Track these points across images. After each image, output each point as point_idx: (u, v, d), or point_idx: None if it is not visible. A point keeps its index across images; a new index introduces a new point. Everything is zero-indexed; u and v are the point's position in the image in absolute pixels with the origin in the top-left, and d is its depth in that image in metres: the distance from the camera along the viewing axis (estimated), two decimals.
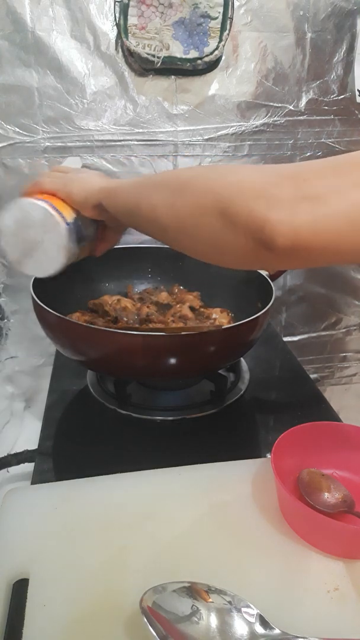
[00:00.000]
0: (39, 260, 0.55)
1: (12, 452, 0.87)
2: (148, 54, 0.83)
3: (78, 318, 0.74)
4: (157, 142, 0.93)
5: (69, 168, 0.63)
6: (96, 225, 0.58)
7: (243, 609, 0.39)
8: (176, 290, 0.88)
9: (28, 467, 0.83)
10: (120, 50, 0.85)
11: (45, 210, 0.52)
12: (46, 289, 0.68)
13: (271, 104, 0.93)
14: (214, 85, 0.90)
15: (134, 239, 0.82)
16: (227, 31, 0.84)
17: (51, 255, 0.54)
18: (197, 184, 0.40)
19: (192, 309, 0.80)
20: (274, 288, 0.74)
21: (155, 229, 0.47)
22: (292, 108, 0.94)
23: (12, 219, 0.53)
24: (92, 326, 0.67)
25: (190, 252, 0.44)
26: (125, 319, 0.77)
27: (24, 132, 0.88)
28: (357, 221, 0.32)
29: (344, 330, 1.22)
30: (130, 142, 0.92)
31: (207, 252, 0.42)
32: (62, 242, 0.53)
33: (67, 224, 0.53)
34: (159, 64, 0.84)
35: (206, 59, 0.85)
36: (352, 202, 0.32)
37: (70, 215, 0.54)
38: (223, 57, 0.88)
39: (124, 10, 0.81)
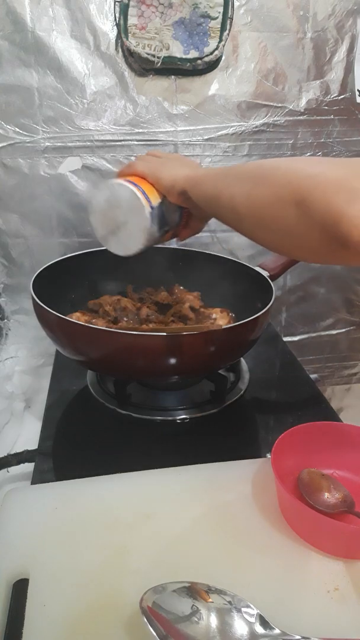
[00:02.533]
0: (122, 240, 0.58)
1: (12, 452, 0.87)
2: (148, 54, 0.83)
3: (78, 318, 0.74)
4: (157, 142, 0.93)
5: (163, 153, 0.64)
6: (180, 212, 0.60)
7: (243, 609, 0.39)
8: (176, 291, 0.88)
9: (28, 467, 0.83)
10: (120, 50, 0.85)
11: (132, 193, 0.54)
12: (46, 289, 0.68)
13: (271, 104, 0.93)
14: (214, 85, 0.90)
15: None
16: (227, 31, 0.84)
17: (133, 236, 0.57)
18: (277, 175, 0.40)
19: (192, 309, 0.80)
20: (274, 288, 0.74)
21: (232, 219, 0.47)
22: (292, 108, 0.94)
23: (103, 198, 0.57)
24: (92, 326, 0.67)
25: (265, 243, 0.44)
26: (125, 319, 0.77)
27: (24, 132, 0.88)
28: None
29: (344, 330, 1.22)
30: (130, 142, 0.92)
31: (281, 244, 0.42)
32: (144, 224, 0.55)
33: (152, 207, 0.55)
34: (159, 64, 0.84)
35: (206, 59, 0.85)
36: None
37: (155, 200, 0.56)
38: (223, 57, 0.88)
39: (124, 10, 0.81)
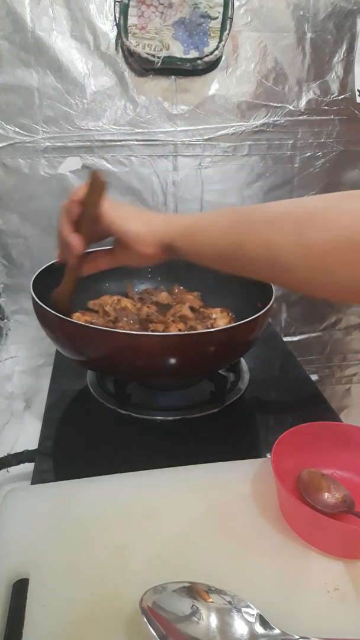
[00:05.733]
0: None
1: (12, 452, 0.87)
2: (148, 54, 0.83)
3: (78, 318, 0.74)
4: (157, 142, 0.93)
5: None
6: None
7: (243, 609, 0.39)
8: (176, 290, 0.88)
9: (28, 467, 0.83)
10: (120, 50, 0.85)
11: None
12: (46, 289, 0.68)
13: (271, 104, 0.93)
14: (214, 85, 0.90)
15: None
16: (227, 31, 0.84)
17: None
18: (333, 214, 0.36)
19: (192, 309, 0.80)
20: (274, 288, 0.74)
21: (270, 269, 0.41)
22: (292, 108, 0.94)
23: None
24: (92, 326, 0.67)
25: (320, 292, 0.39)
26: (125, 319, 0.77)
27: (24, 132, 0.88)
28: None
29: (344, 330, 1.22)
30: (130, 142, 0.92)
31: (343, 291, 0.37)
32: None
33: None
34: (159, 64, 0.84)
35: (206, 59, 0.85)
36: None
37: None
38: (223, 57, 0.88)
39: (124, 10, 0.81)
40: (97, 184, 0.54)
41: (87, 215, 0.55)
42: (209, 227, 0.46)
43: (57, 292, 0.65)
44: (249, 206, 0.45)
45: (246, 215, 0.43)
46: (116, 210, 0.54)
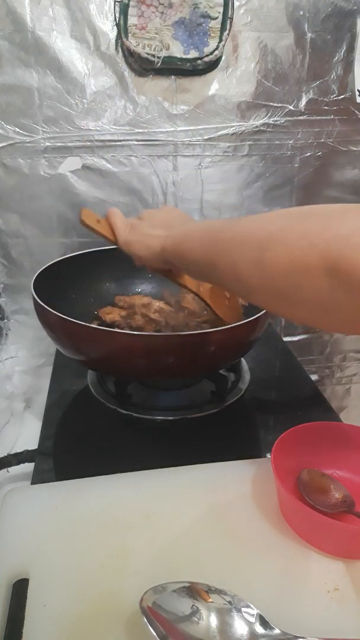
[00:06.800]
0: None
1: (12, 452, 0.87)
2: (148, 54, 0.83)
3: (111, 313, 0.76)
4: (157, 142, 0.93)
5: (151, 212, 0.61)
6: None
7: (243, 609, 0.39)
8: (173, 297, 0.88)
9: (28, 467, 0.83)
10: (120, 50, 0.85)
11: None
12: (46, 289, 0.68)
13: (271, 104, 0.93)
14: (214, 85, 0.90)
15: None
16: (227, 31, 0.84)
17: None
18: (291, 237, 0.34)
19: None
20: None
21: (237, 288, 0.41)
22: (292, 108, 0.94)
23: None
24: (93, 326, 0.67)
25: (285, 315, 0.38)
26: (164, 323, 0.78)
27: (24, 132, 0.88)
28: None
29: None
30: (130, 142, 0.92)
31: (308, 315, 0.35)
32: None
33: None
34: (159, 64, 0.84)
35: (206, 59, 0.85)
36: None
37: None
38: (223, 57, 0.88)
39: (124, 10, 0.81)
40: (90, 227, 0.61)
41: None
42: (193, 245, 0.46)
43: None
44: (227, 222, 0.44)
45: (220, 233, 0.42)
46: (127, 237, 0.58)
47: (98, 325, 0.77)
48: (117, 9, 0.82)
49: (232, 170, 0.98)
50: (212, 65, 0.88)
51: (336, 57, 0.92)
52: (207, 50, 0.85)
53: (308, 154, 0.99)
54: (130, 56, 0.85)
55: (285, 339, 1.17)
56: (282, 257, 0.33)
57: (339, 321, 0.33)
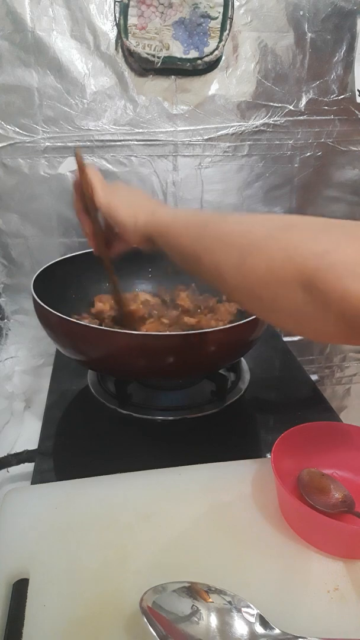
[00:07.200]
0: None
1: (12, 452, 0.87)
2: (148, 54, 0.83)
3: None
4: (157, 142, 0.93)
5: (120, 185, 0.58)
6: None
7: (243, 609, 0.39)
8: (181, 294, 0.87)
9: (28, 467, 0.83)
10: (120, 50, 0.85)
11: None
12: (46, 289, 0.68)
13: (271, 104, 0.93)
14: (214, 85, 0.90)
15: None
16: (227, 31, 0.84)
17: None
18: (272, 246, 0.34)
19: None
20: None
21: (220, 286, 0.41)
22: (292, 108, 0.94)
23: None
24: (93, 326, 0.67)
25: (262, 317, 0.40)
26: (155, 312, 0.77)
27: (24, 132, 0.88)
28: None
29: None
30: (130, 142, 0.92)
31: (282, 322, 0.37)
32: None
33: None
34: (159, 64, 0.84)
35: (206, 59, 0.85)
36: None
37: None
38: (223, 57, 0.88)
39: (124, 10, 0.81)
40: (80, 163, 0.55)
41: (86, 197, 0.56)
42: (181, 232, 0.46)
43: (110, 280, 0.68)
44: (215, 217, 0.45)
45: (207, 227, 0.43)
46: (107, 196, 0.54)
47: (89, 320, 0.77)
48: (117, 9, 0.82)
49: (232, 170, 0.98)
50: (212, 65, 0.88)
51: (336, 57, 0.92)
52: (207, 50, 0.85)
53: (308, 154, 0.99)
54: (130, 56, 0.85)
55: (285, 339, 1.17)
56: (262, 266, 0.34)
57: (310, 330, 0.35)
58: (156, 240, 0.49)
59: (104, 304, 0.80)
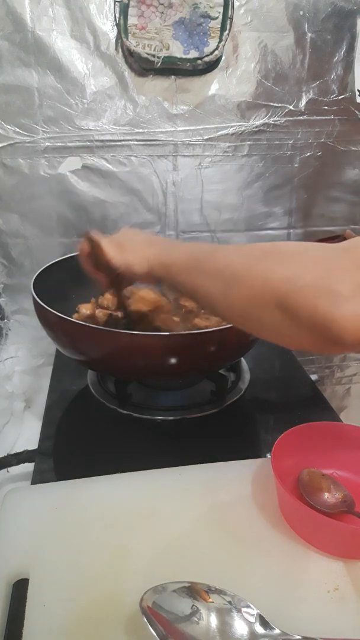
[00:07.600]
0: None
1: (12, 452, 0.87)
2: (148, 54, 0.83)
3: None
4: (157, 142, 0.93)
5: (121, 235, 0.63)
6: None
7: (243, 609, 0.39)
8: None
9: (28, 467, 0.83)
10: (120, 50, 0.85)
11: None
12: (46, 289, 0.68)
13: (271, 104, 0.93)
14: (214, 85, 0.90)
15: None
16: (227, 31, 0.84)
17: None
18: (250, 276, 0.39)
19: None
20: None
21: (214, 313, 0.48)
22: (292, 108, 0.94)
23: None
24: (93, 326, 0.67)
25: (252, 334, 0.46)
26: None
27: (24, 132, 0.88)
28: None
29: None
30: (130, 142, 0.92)
31: (268, 337, 0.41)
32: None
33: None
34: (159, 64, 0.84)
35: (206, 59, 0.85)
36: None
37: None
38: (223, 57, 0.88)
39: (124, 10, 0.81)
40: (95, 243, 0.60)
41: (98, 260, 0.61)
42: (180, 271, 0.50)
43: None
44: (208, 250, 0.51)
45: (199, 264, 0.48)
46: (120, 255, 0.59)
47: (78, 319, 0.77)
48: (117, 9, 0.82)
49: (232, 170, 0.98)
50: (212, 65, 0.88)
51: (336, 57, 0.92)
52: (207, 50, 0.85)
53: (308, 154, 0.99)
54: (130, 56, 0.85)
55: None
56: (243, 294, 0.40)
57: (290, 343, 0.40)
58: (162, 279, 0.55)
59: (87, 310, 0.80)
